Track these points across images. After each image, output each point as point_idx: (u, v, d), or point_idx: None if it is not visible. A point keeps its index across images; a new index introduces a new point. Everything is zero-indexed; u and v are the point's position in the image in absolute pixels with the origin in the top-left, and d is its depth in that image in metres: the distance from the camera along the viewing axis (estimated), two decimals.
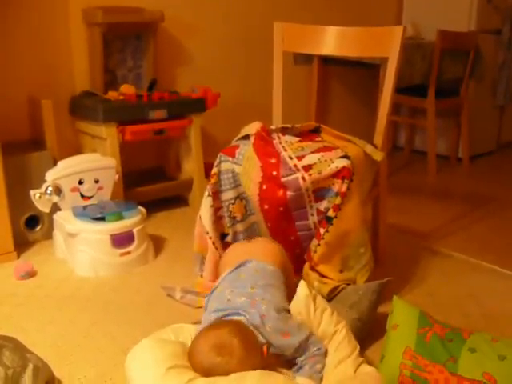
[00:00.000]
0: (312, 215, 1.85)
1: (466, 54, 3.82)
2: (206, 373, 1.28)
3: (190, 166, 2.96)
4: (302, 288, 1.53)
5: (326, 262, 1.85)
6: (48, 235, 2.48)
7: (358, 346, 1.47)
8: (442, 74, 3.72)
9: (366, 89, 4.20)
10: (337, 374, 1.39)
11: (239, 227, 2.01)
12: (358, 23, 2.27)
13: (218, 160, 1.95)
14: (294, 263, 1.86)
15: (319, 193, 1.82)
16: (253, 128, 2.02)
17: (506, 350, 1.44)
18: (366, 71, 3.87)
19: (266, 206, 1.89)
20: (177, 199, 3.02)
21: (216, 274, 1.97)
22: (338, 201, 1.78)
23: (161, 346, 1.38)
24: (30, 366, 1.43)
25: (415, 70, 3.60)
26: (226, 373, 1.26)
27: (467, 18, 4.07)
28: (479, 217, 2.98)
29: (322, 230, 1.82)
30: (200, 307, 1.89)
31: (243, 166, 1.91)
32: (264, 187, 1.85)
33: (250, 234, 2.04)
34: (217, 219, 1.99)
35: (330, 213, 1.80)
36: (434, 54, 3.55)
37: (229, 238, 2.01)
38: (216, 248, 1.96)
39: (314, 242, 1.85)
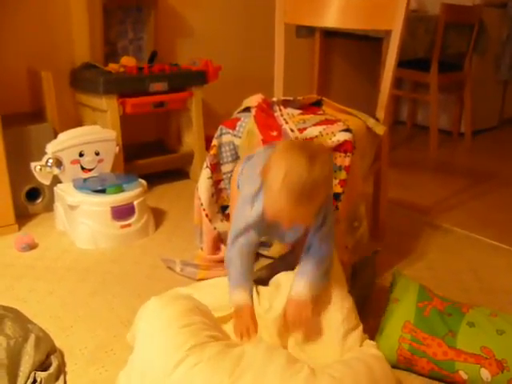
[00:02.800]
0: None
1: (470, 27, 3.77)
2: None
3: (191, 139, 2.95)
4: None
5: None
6: (49, 207, 2.47)
7: (361, 324, 1.48)
8: (445, 47, 3.68)
9: (369, 62, 4.16)
10: (344, 345, 1.41)
11: None
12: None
13: (218, 132, 1.93)
14: None
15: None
16: (254, 100, 1.99)
17: (505, 324, 1.44)
18: (368, 45, 3.83)
19: None
20: (178, 172, 3.02)
21: (213, 247, 1.98)
22: (343, 175, 1.72)
23: (172, 304, 1.38)
24: (32, 337, 1.44)
25: (418, 43, 3.56)
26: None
27: None
28: (480, 192, 2.98)
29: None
30: (200, 279, 1.90)
31: (243, 139, 1.89)
32: None
33: None
34: (217, 191, 1.98)
35: (338, 189, 1.73)
36: (438, 28, 3.51)
37: (228, 210, 2.01)
38: (210, 220, 1.96)
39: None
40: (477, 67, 4.05)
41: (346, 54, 4.11)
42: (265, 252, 2.08)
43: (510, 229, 2.50)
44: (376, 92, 2.15)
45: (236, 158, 1.95)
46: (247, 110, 1.97)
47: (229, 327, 1.46)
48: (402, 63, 3.65)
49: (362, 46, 3.97)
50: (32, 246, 2.18)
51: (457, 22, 3.66)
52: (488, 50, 3.99)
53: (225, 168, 1.97)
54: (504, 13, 4.16)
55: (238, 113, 1.99)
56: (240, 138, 1.90)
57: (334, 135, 1.76)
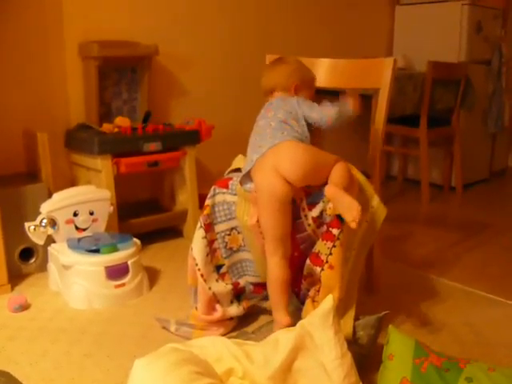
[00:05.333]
0: (309, 225, 1.84)
1: (457, 84, 3.87)
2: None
3: (185, 198, 2.97)
4: (328, 301, 1.54)
5: (342, 264, 1.80)
6: (42, 267, 2.47)
7: (361, 382, 1.47)
8: (433, 103, 3.77)
9: (359, 119, 4.23)
10: None
11: (236, 257, 2.02)
12: (350, 56, 2.31)
13: (211, 192, 1.96)
14: (300, 278, 1.88)
15: (310, 199, 1.80)
16: (241, 161, 2.04)
17: (503, 379, 1.43)
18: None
19: None
20: (171, 230, 3.02)
21: (208, 308, 1.96)
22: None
23: (159, 358, 1.36)
24: None
25: (407, 100, 3.65)
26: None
27: (457, 49, 4.15)
28: (473, 245, 2.99)
29: (335, 231, 1.75)
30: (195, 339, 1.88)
31: (239, 196, 1.92)
32: None
33: (245, 270, 2.06)
34: (211, 251, 1.98)
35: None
36: (426, 85, 3.61)
37: (224, 269, 2.01)
38: (205, 280, 1.95)
39: (327, 244, 1.77)
40: (465, 121, 4.14)
41: None
42: (264, 305, 2.07)
43: (503, 281, 2.51)
44: (367, 147, 2.19)
45: (231, 217, 1.97)
46: (237, 170, 2.01)
47: (234, 380, 1.45)
48: (391, 119, 3.75)
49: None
50: (25, 307, 2.17)
51: (444, 79, 3.76)
52: (475, 105, 4.08)
53: (218, 228, 1.98)
54: (488, 69, 4.28)
55: (229, 173, 2.03)
56: (234, 194, 1.93)
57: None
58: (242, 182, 1.88)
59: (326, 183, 1.78)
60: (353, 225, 1.66)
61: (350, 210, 1.66)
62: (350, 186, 1.81)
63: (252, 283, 2.06)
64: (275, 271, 1.79)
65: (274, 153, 1.76)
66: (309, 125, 1.88)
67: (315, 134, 1.92)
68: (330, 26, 4.06)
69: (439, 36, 4.22)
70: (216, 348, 1.51)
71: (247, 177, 1.85)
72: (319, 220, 1.81)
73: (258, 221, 1.85)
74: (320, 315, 1.51)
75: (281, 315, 1.78)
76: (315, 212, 1.81)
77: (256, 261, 2.00)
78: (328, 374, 1.43)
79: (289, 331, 1.51)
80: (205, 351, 1.50)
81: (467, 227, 3.33)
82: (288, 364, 1.44)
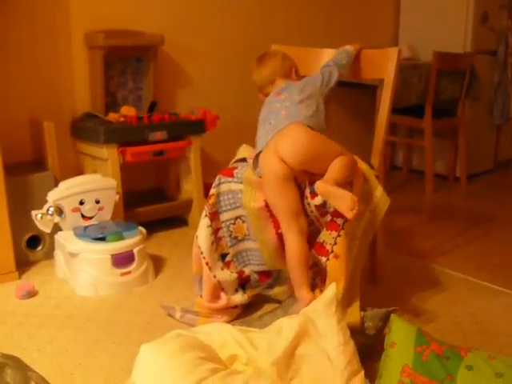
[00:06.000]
0: (311, 212, 1.86)
1: (462, 74, 3.86)
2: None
3: (190, 187, 2.99)
4: (331, 289, 1.56)
5: (347, 253, 1.83)
6: (49, 255, 2.50)
7: (363, 369, 1.49)
8: (438, 94, 3.76)
9: (364, 109, 4.24)
10: None
11: (241, 246, 2.04)
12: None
13: (216, 181, 1.98)
14: None
15: (312, 188, 1.81)
16: (246, 151, 2.06)
17: (503, 367, 1.45)
18: (363, 91, 3.92)
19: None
20: (176, 219, 3.04)
21: (213, 296, 1.98)
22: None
23: (165, 344, 1.38)
24: None
25: (412, 90, 3.64)
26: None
27: (463, 39, 4.13)
28: (476, 236, 3.00)
29: (339, 220, 1.78)
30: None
31: (245, 184, 1.94)
32: None
33: (251, 259, 2.06)
34: (216, 240, 2.00)
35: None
36: (431, 75, 3.59)
37: (228, 258, 2.03)
38: (210, 268, 1.97)
39: (332, 233, 1.80)
40: (470, 112, 4.13)
41: (341, 100, 4.19)
42: (269, 293, 2.09)
43: (505, 271, 2.52)
44: (371, 138, 2.21)
45: (235, 206, 1.98)
46: (243, 160, 2.03)
47: (237, 365, 1.47)
48: (396, 110, 3.75)
49: (357, 93, 4.06)
50: (32, 294, 2.20)
51: (449, 69, 3.75)
52: (481, 96, 4.07)
53: (223, 217, 2.00)
54: (494, 60, 4.26)
55: (234, 163, 2.04)
56: (240, 183, 1.94)
57: None
58: (254, 166, 1.92)
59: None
60: (349, 215, 1.68)
61: (344, 202, 1.68)
62: (351, 179, 1.83)
63: (257, 272, 2.08)
64: (293, 248, 1.82)
65: (280, 135, 1.81)
66: (323, 97, 2.01)
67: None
68: (335, 15, 4.05)
69: (445, 26, 4.20)
70: (220, 334, 1.53)
71: (257, 160, 1.89)
72: (322, 209, 1.83)
73: (265, 204, 1.88)
74: (323, 303, 1.53)
75: (303, 292, 1.80)
76: (317, 200, 1.83)
77: (261, 249, 2.00)
78: (330, 361, 1.45)
79: (292, 318, 1.53)
80: (209, 337, 1.52)
81: (471, 218, 3.34)
82: (291, 350, 1.46)
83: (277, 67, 2.08)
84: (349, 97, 4.16)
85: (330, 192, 1.71)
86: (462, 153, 4.05)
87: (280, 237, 1.91)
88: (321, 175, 1.79)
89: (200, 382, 1.25)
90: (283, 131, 1.81)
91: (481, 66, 4.05)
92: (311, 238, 1.88)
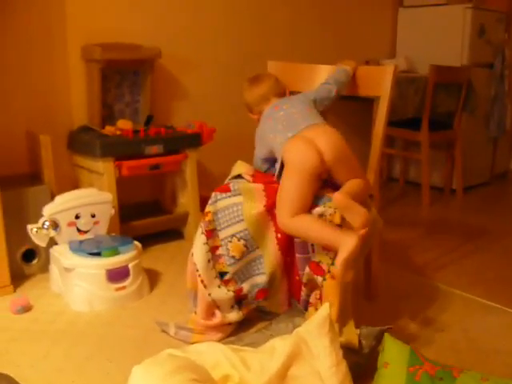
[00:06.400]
0: None
1: (459, 87, 3.88)
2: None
3: (186, 200, 2.99)
4: (324, 309, 1.55)
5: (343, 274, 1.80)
6: (45, 269, 2.50)
7: None
8: (435, 107, 3.79)
9: (361, 120, 4.26)
10: None
11: (240, 264, 1.99)
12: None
13: (213, 199, 1.96)
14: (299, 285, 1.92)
15: (315, 199, 1.84)
16: (241, 168, 2.07)
17: None
18: (360, 104, 3.93)
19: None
20: (173, 233, 3.05)
21: (207, 313, 1.98)
22: None
23: (157, 366, 1.38)
24: None
25: (409, 103, 3.67)
26: None
27: (460, 52, 4.15)
28: (471, 250, 3.01)
29: None
30: (193, 343, 1.90)
31: (244, 195, 1.93)
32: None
33: (252, 271, 2.02)
34: (215, 258, 1.98)
35: (340, 221, 1.79)
36: (427, 89, 3.62)
37: (227, 277, 1.99)
38: (205, 286, 1.96)
39: (329, 254, 1.80)
40: (467, 125, 4.15)
41: (337, 112, 4.19)
42: (264, 304, 2.07)
43: (500, 286, 2.52)
44: (369, 148, 2.21)
45: (232, 222, 1.95)
46: (238, 176, 2.03)
47: None
48: (393, 122, 3.77)
49: (354, 105, 4.07)
50: (27, 309, 2.19)
51: (446, 83, 3.77)
52: (477, 109, 4.09)
53: (222, 234, 1.97)
54: (491, 72, 4.29)
55: (230, 179, 2.04)
56: (239, 194, 1.94)
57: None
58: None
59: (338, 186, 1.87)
60: (362, 232, 1.70)
61: (360, 219, 1.70)
62: (360, 201, 1.83)
63: (257, 286, 2.01)
64: (305, 224, 1.80)
65: (312, 130, 1.88)
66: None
67: None
68: (333, 29, 4.07)
69: (442, 39, 4.23)
70: (213, 354, 1.53)
71: (268, 162, 1.99)
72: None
73: (265, 209, 1.90)
74: (316, 323, 1.53)
75: (345, 237, 1.71)
76: (316, 212, 1.83)
77: (264, 254, 1.97)
78: (323, 382, 1.45)
79: (285, 339, 1.53)
80: (202, 357, 1.52)
81: (467, 231, 3.35)
82: (283, 371, 1.46)
83: (272, 86, 2.15)
84: (347, 109, 4.17)
85: (348, 205, 1.72)
86: (458, 165, 4.07)
87: (279, 242, 1.91)
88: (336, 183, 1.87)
89: None
90: (316, 128, 1.90)
91: (478, 78, 4.07)
92: (300, 248, 1.89)
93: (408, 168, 4.54)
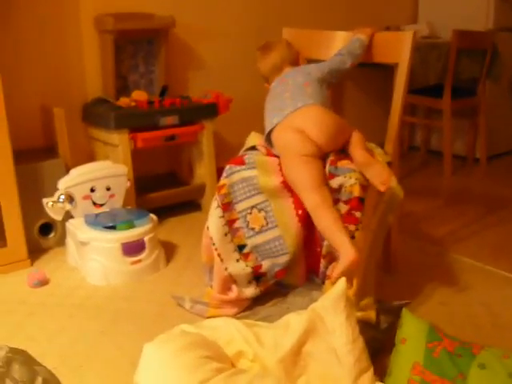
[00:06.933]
0: None
1: (483, 53, 3.76)
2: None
3: (203, 171, 2.96)
4: (340, 284, 1.50)
5: (364, 248, 1.79)
6: (61, 242, 2.49)
7: (372, 366, 1.46)
8: (458, 73, 3.67)
9: (380, 88, 4.17)
10: None
11: (259, 239, 1.93)
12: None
13: (227, 172, 1.91)
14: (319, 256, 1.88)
15: (333, 168, 1.81)
16: (255, 139, 2.02)
17: None
18: (380, 72, 3.84)
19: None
20: (190, 204, 3.02)
21: (223, 287, 1.95)
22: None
23: (169, 342, 1.37)
24: (39, 380, 1.44)
25: (430, 70, 3.57)
26: None
27: (484, 16, 4.01)
28: (494, 221, 2.94)
29: (358, 214, 1.74)
30: (209, 317, 1.89)
31: (259, 169, 1.89)
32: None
33: (273, 251, 1.94)
34: (233, 231, 1.93)
35: (360, 193, 1.75)
36: (450, 54, 3.51)
37: (247, 250, 1.94)
38: (221, 260, 1.92)
39: (349, 227, 1.73)
40: (491, 92, 4.03)
41: (356, 80, 4.12)
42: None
43: None
44: (387, 118, 2.15)
45: (250, 195, 1.90)
46: (252, 148, 1.99)
47: (244, 362, 1.45)
48: (415, 90, 3.68)
49: (374, 72, 3.98)
50: (44, 282, 2.20)
51: (469, 48, 3.65)
52: (502, 75, 3.97)
53: (239, 207, 1.92)
54: None
55: (245, 151, 2.00)
56: (254, 168, 1.89)
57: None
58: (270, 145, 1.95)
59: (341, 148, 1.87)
60: (382, 188, 1.72)
61: (381, 174, 1.72)
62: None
63: (278, 266, 1.95)
64: (322, 217, 1.75)
65: (299, 116, 1.83)
66: (328, 84, 2.01)
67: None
68: None
69: (466, 2, 4.09)
70: (227, 330, 1.51)
71: (268, 141, 1.93)
72: (335, 195, 1.79)
73: (283, 181, 1.86)
74: (332, 299, 1.49)
75: (347, 247, 1.66)
76: (334, 183, 1.79)
77: (284, 234, 1.90)
78: (338, 359, 1.42)
79: (300, 314, 1.50)
80: (216, 333, 1.50)
81: (490, 202, 3.27)
82: (298, 347, 1.44)
83: (285, 54, 2.09)
84: (365, 76, 4.08)
85: (370, 162, 1.76)
86: (482, 133, 3.98)
87: (301, 219, 1.86)
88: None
89: (204, 383, 1.23)
90: (303, 113, 1.83)
91: (503, 43, 3.94)
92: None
93: (430, 136, 4.44)
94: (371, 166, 1.76)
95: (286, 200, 1.88)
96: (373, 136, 2.05)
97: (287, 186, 1.86)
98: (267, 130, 1.91)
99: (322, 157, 1.84)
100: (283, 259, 1.93)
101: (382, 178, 1.73)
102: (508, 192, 3.46)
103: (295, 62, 2.10)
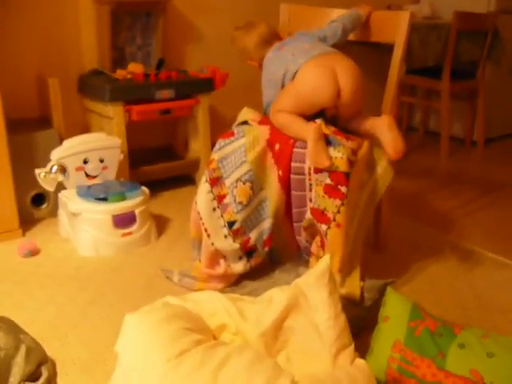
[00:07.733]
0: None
1: (484, 35, 3.73)
2: None
3: (198, 146, 2.96)
4: (324, 261, 1.49)
5: (348, 223, 1.80)
6: (54, 213, 2.50)
7: (353, 343, 1.47)
8: (457, 55, 3.64)
9: (380, 68, 4.14)
10: (335, 364, 1.39)
11: (248, 211, 1.93)
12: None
13: (217, 146, 1.91)
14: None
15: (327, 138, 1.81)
16: (248, 114, 2.01)
17: (495, 347, 1.42)
18: (379, 51, 3.81)
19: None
20: (184, 178, 3.03)
21: (211, 262, 1.96)
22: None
23: (148, 315, 1.36)
24: (23, 347, 1.46)
25: (429, 51, 3.54)
26: None
27: None
28: (488, 203, 2.94)
29: (344, 189, 1.74)
30: (197, 290, 1.90)
31: (246, 135, 1.89)
32: (276, 147, 1.87)
33: (258, 216, 1.95)
34: (222, 207, 1.93)
35: (346, 168, 1.75)
36: (450, 36, 3.48)
37: (236, 226, 1.93)
38: (208, 236, 1.93)
39: (335, 202, 1.75)
40: (491, 75, 4.00)
41: (354, 57, 4.08)
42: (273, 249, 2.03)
43: None
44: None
45: (236, 166, 1.89)
46: (244, 123, 1.98)
47: (226, 335, 1.46)
48: (414, 71, 3.65)
49: (374, 51, 3.95)
50: (34, 252, 2.21)
51: (470, 30, 3.62)
52: (503, 58, 3.93)
53: (229, 181, 1.91)
54: None
55: (236, 126, 1.99)
56: (242, 137, 1.89)
57: None
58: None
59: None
60: (395, 155, 1.81)
61: (397, 141, 1.80)
62: None
63: (264, 233, 1.96)
64: (284, 120, 1.86)
65: (329, 57, 1.86)
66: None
67: None
68: None
69: None
70: (211, 303, 1.52)
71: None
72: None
73: (266, 145, 1.88)
74: (315, 275, 1.50)
75: (307, 126, 1.80)
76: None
77: (269, 195, 1.91)
78: (320, 335, 1.43)
79: (283, 290, 1.51)
80: (200, 306, 1.51)
81: (485, 185, 3.27)
82: (280, 322, 1.44)
83: (271, 28, 2.11)
84: (362, 53, 4.04)
85: (392, 125, 1.83)
86: (481, 116, 3.96)
87: (281, 180, 1.86)
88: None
89: (182, 354, 1.23)
90: (332, 55, 1.89)
91: (505, 26, 3.89)
92: (298, 185, 1.86)
93: (428, 117, 4.43)
94: (391, 131, 1.81)
95: (270, 161, 1.88)
96: (370, 113, 2.03)
97: (271, 145, 1.87)
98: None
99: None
100: (267, 224, 1.95)
101: (397, 146, 1.79)
102: (504, 175, 3.46)
103: (280, 37, 2.10)
